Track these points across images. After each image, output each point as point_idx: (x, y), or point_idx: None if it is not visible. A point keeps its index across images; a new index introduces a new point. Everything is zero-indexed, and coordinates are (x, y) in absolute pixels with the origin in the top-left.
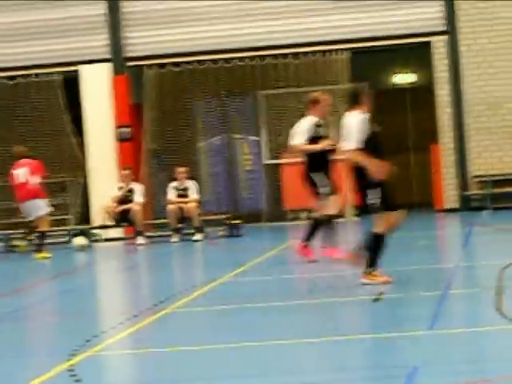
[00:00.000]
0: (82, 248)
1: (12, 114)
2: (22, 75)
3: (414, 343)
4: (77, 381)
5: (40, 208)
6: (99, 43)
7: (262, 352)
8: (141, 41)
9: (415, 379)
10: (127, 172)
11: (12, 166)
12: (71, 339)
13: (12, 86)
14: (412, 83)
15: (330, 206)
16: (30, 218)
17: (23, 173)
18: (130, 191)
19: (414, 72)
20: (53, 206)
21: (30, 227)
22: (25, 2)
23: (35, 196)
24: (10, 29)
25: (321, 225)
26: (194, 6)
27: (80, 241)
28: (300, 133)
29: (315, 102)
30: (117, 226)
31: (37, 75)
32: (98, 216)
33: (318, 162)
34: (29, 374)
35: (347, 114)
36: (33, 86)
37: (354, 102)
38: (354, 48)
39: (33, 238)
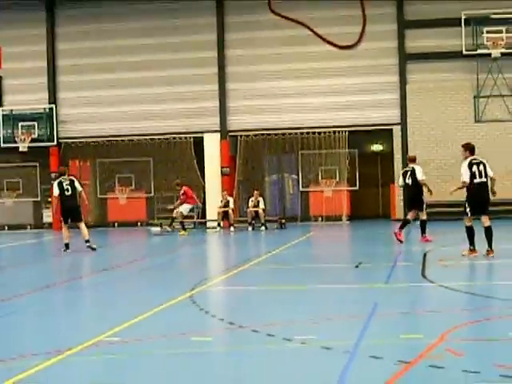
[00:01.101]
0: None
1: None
2: (172, 138)
3: (376, 291)
4: (193, 302)
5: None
6: (214, 122)
7: (310, 292)
8: (236, 121)
9: (376, 308)
10: (225, 192)
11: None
12: (191, 280)
13: (160, 143)
14: (382, 150)
15: (423, 214)
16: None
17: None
18: (228, 202)
19: (382, 144)
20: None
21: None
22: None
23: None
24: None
25: (424, 223)
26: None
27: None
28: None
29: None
30: (220, 220)
31: (176, 138)
32: (212, 215)
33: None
34: (162, 299)
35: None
36: (174, 144)
37: None
38: (350, 130)
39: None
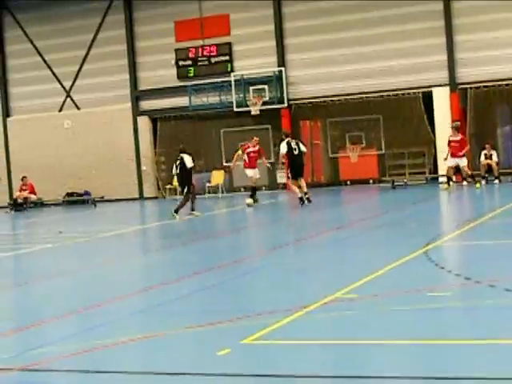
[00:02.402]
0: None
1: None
2: (401, 94)
3: None
4: (428, 258)
5: None
6: (443, 76)
7: None
8: (465, 73)
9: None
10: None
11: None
12: (426, 235)
13: (389, 100)
14: None
15: None
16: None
17: None
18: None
19: None
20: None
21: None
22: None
23: None
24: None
25: None
26: None
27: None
28: None
29: None
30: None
31: (405, 94)
32: (443, 170)
33: None
34: (397, 255)
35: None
36: (403, 100)
37: None
38: None
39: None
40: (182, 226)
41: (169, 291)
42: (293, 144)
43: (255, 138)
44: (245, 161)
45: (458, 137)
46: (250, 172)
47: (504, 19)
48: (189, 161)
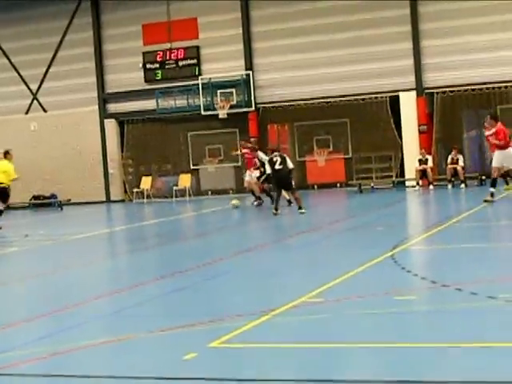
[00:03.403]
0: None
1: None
2: (368, 98)
3: None
4: (395, 261)
5: None
6: (409, 80)
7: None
8: (431, 78)
9: None
10: (423, 150)
11: None
12: (392, 239)
13: (356, 104)
14: None
15: None
16: None
17: None
18: (425, 160)
19: None
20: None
21: None
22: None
23: None
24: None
25: None
26: None
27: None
28: None
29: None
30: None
31: (372, 98)
32: (410, 174)
33: None
34: (363, 258)
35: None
36: (370, 104)
37: None
38: None
39: None
40: (148, 229)
41: (136, 294)
42: (275, 158)
43: (245, 143)
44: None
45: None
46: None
47: (470, 25)
48: (290, 161)
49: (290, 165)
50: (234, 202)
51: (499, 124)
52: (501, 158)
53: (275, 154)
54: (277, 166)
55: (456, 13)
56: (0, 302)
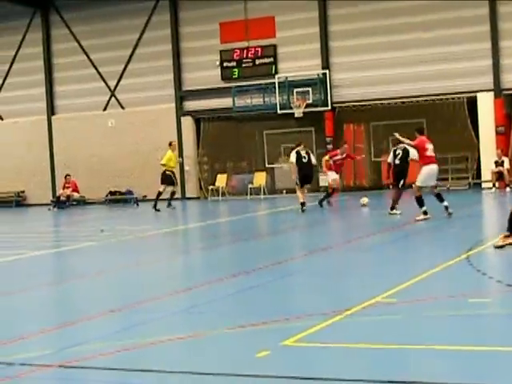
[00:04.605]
0: None
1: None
2: (445, 98)
3: None
4: (470, 264)
5: None
6: (487, 81)
7: None
8: (510, 79)
9: None
10: (499, 151)
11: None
12: (468, 241)
13: (433, 105)
14: None
15: None
16: None
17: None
18: (502, 162)
19: None
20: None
21: None
22: None
23: None
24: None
25: None
26: None
27: None
28: None
29: None
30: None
31: (449, 99)
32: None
33: None
34: (438, 260)
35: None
36: (447, 105)
37: None
38: None
39: None
40: (222, 226)
41: (210, 292)
42: (302, 153)
43: (345, 146)
44: (331, 165)
45: None
46: (332, 175)
47: None
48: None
49: (314, 161)
50: (365, 200)
51: None
52: None
53: (300, 148)
54: (304, 160)
55: None
56: (77, 296)
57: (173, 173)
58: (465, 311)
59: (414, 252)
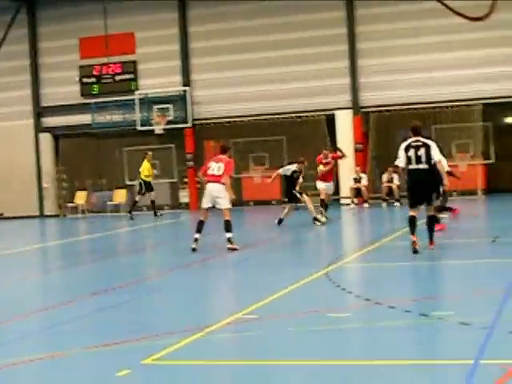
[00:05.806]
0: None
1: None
2: (304, 116)
3: None
4: (329, 279)
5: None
6: (345, 99)
7: (447, 267)
8: (367, 97)
9: None
10: (358, 169)
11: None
12: (327, 256)
13: (292, 122)
14: None
15: None
16: None
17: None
18: (360, 178)
19: None
20: None
21: None
22: None
23: None
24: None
25: None
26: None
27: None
28: None
29: None
30: (353, 197)
31: (308, 116)
32: (345, 192)
33: None
34: (298, 276)
35: None
36: (307, 122)
37: None
38: (484, 103)
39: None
40: (82, 244)
41: (70, 311)
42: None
43: (324, 151)
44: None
45: None
46: (321, 185)
47: (406, 45)
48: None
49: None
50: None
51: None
52: None
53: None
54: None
55: (392, 33)
56: None
57: (149, 182)
58: (325, 326)
59: (275, 268)
